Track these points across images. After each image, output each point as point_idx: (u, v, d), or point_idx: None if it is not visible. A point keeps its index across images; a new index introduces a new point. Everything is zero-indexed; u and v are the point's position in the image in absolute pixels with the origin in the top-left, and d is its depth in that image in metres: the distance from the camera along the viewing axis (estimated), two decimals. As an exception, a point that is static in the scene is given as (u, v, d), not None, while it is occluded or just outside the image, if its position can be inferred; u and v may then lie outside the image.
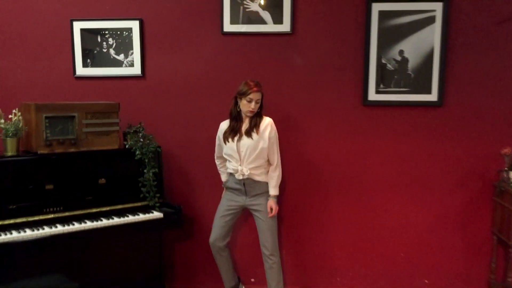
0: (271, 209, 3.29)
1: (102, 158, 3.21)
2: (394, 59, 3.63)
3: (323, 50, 3.68)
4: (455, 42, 3.58)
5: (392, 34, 3.60)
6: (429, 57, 3.60)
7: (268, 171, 3.32)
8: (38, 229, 2.83)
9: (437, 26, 3.57)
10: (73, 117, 3.09)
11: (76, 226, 2.93)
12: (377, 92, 3.67)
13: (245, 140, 3.22)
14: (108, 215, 3.12)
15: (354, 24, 3.63)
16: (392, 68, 3.64)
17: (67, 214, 3.01)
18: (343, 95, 3.70)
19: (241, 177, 3.26)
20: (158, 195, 3.31)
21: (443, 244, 3.76)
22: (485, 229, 3.70)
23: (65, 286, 2.58)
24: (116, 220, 3.08)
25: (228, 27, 3.68)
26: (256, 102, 3.20)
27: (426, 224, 3.75)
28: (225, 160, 3.37)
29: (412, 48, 3.61)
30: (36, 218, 2.91)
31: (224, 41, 3.70)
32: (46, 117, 3.00)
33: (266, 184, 3.33)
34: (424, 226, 3.76)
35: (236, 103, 3.27)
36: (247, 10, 3.66)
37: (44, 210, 2.94)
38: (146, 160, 3.27)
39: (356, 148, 3.73)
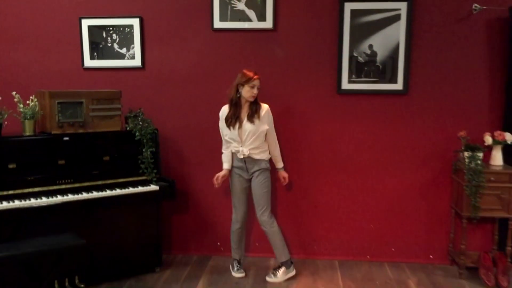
0: (284, 178, 3.92)
1: (106, 138, 3.71)
2: (365, 53, 4.08)
3: (302, 44, 4.13)
4: (418, 38, 4.02)
5: (363, 30, 4.05)
6: (395, 50, 4.05)
7: (264, 150, 3.78)
8: (52, 197, 3.34)
9: (402, 23, 4.01)
10: (81, 103, 3.60)
11: (84, 195, 3.45)
12: (350, 81, 4.13)
13: (247, 125, 3.68)
14: (111, 187, 3.63)
15: (329, 21, 4.08)
16: (363, 61, 4.09)
17: (76, 185, 3.52)
18: (320, 84, 4.16)
19: (241, 157, 3.73)
20: (155, 171, 3.81)
21: (408, 217, 4.22)
22: (444, 203, 4.16)
23: (75, 242, 3.06)
24: (118, 191, 3.59)
25: (217, 24, 4.15)
26: (258, 88, 3.66)
27: (394, 199, 4.22)
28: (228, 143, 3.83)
29: (380, 43, 4.05)
30: (50, 188, 3.42)
31: (214, 37, 4.18)
32: (58, 103, 3.51)
33: (264, 161, 3.79)
34: (391, 201, 4.22)
35: (237, 91, 3.71)
36: (234, 8, 4.13)
37: (57, 181, 3.46)
38: (145, 141, 3.77)
39: (332, 131, 4.19)
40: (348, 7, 4.04)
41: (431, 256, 4.24)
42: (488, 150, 3.92)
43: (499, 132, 3.84)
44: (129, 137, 3.77)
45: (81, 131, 3.61)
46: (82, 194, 3.46)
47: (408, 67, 4.04)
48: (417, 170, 4.16)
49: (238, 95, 3.70)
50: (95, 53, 4.26)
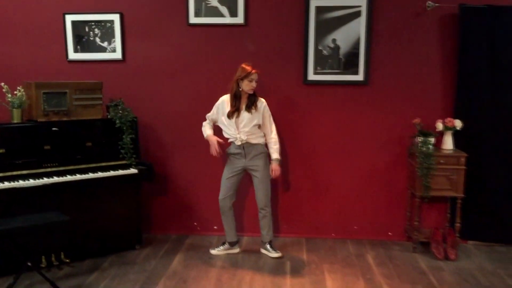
0: (273, 170, 4.09)
1: (88, 125, 4.03)
2: (328, 46, 4.42)
3: (271, 38, 4.46)
4: (377, 32, 4.36)
5: (327, 25, 4.39)
6: (356, 44, 4.39)
7: (261, 136, 4.09)
8: (38, 179, 3.66)
9: (363, 19, 4.35)
10: (65, 93, 3.91)
11: (68, 178, 3.77)
12: (315, 73, 4.47)
13: (244, 114, 4.00)
14: (94, 170, 3.95)
15: (296, 17, 4.41)
16: (327, 54, 4.43)
17: (61, 168, 3.83)
18: (288, 75, 4.49)
19: (239, 143, 4.04)
20: (134, 155, 4.13)
21: (369, 198, 4.59)
22: (402, 184, 4.53)
23: (59, 219, 3.37)
24: (100, 174, 3.92)
25: (192, 19, 4.47)
26: (256, 81, 3.98)
27: (356, 181, 4.58)
28: (214, 121, 4.16)
29: (342, 37, 4.40)
30: (37, 171, 3.73)
31: (190, 31, 4.49)
32: (44, 93, 3.82)
33: (262, 145, 4.10)
34: (354, 183, 4.59)
35: (238, 85, 3.99)
36: (208, 5, 4.44)
37: (43, 165, 3.77)
38: (124, 128, 4.09)
39: (299, 118, 4.53)
40: (313, 4, 4.37)
41: (390, 233, 4.62)
42: (440, 135, 4.29)
43: (449, 119, 4.21)
44: (110, 124, 4.09)
45: (65, 119, 3.93)
46: (66, 176, 3.78)
47: (368, 60, 4.38)
48: (377, 154, 4.53)
49: (240, 89, 3.99)
50: (78, 47, 4.55)
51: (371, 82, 4.43)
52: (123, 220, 4.19)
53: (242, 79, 3.95)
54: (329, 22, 4.39)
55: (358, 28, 4.37)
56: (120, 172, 4.01)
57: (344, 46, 4.41)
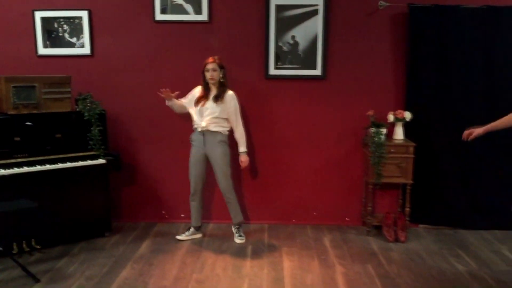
0: (242, 161, 4.39)
1: (58, 118, 4.19)
2: (288, 43, 4.68)
3: (234, 35, 4.69)
4: (334, 30, 4.64)
5: (286, 23, 4.64)
6: (314, 41, 4.66)
7: (222, 126, 4.31)
8: (9, 169, 3.83)
9: (320, 17, 4.62)
10: (34, 86, 4.08)
11: (38, 168, 3.95)
12: (276, 68, 4.72)
13: (210, 104, 4.25)
14: (63, 160, 4.13)
15: (257, 15, 4.65)
16: (287, 50, 4.69)
17: (31, 159, 4.00)
18: (250, 70, 4.73)
19: (200, 129, 4.28)
20: (103, 146, 4.32)
21: (327, 185, 4.87)
22: (358, 172, 4.83)
23: (28, 205, 3.55)
24: (69, 164, 4.10)
25: (159, 16, 4.67)
26: (213, 70, 4.21)
27: (315, 170, 4.86)
28: (185, 104, 4.39)
29: (301, 34, 4.66)
30: (8, 161, 3.89)
31: (156, 28, 4.69)
32: (13, 87, 3.98)
33: (221, 134, 4.32)
34: (313, 172, 4.86)
35: (204, 76, 4.26)
36: (174, 3, 4.65)
37: (14, 156, 3.94)
38: (93, 120, 4.27)
39: (261, 111, 4.78)
40: (274, 2, 4.61)
41: (347, 219, 4.92)
42: (392, 126, 4.60)
43: (399, 111, 4.52)
44: (78, 117, 4.27)
45: (34, 111, 4.09)
46: (36, 166, 3.96)
47: (325, 55, 4.66)
48: (334, 145, 4.81)
49: (206, 80, 4.28)
50: (47, 42, 4.71)
51: (328, 77, 4.71)
52: (92, 208, 4.38)
53: (203, 71, 4.25)
54: (289, 20, 4.64)
55: (316, 25, 4.64)
56: (89, 162, 4.20)
57: (303, 43, 4.67)
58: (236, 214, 4.47)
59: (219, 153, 4.32)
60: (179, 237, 4.47)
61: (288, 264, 3.93)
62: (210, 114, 4.26)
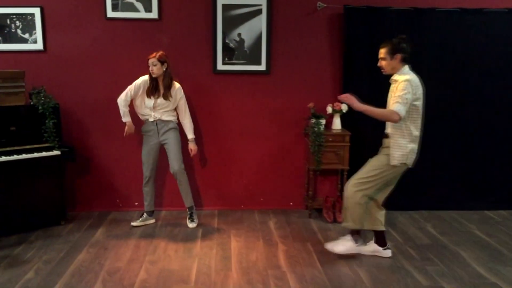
0: (191, 149, 4.70)
1: (12, 111, 4.35)
2: (235, 40, 5.00)
3: (183, 32, 4.97)
4: (277, 28, 4.99)
5: (232, 21, 4.96)
6: (259, 38, 5.00)
7: (173, 114, 4.63)
8: (-35, 161, 3.99)
9: (264, 16, 4.96)
10: (-12, 81, 4.23)
11: (-7, 159, 4.12)
12: (223, 63, 5.03)
13: (160, 100, 4.53)
14: (19, 152, 4.30)
15: (205, 13, 4.94)
16: (233, 46, 5.01)
17: (-14, 151, 4.17)
18: (199, 65, 5.02)
19: (152, 119, 4.55)
20: (57, 139, 4.51)
21: (273, 172, 5.24)
22: (300, 160, 5.23)
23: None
24: (24, 156, 4.28)
25: (110, 13, 4.87)
26: (153, 65, 4.45)
27: (261, 158, 5.22)
28: (132, 98, 4.55)
29: (247, 32, 4.98)
30: (-37, 153, 4.05)
31: (108, 25, 4.90)
32: (-33, 81, 4.12)
33: (172, 122, 4.62)
34: (260, 160, 5.22)
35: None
36: (124, 1, 4.86)
37: (-31, 148, 4.10)
38: (47, 113, 4.45)
39: (210, 103, 5.08)
40: (220, 2, 4.91)
41: (291, 203, 5.32)
42: (330, 117, 5.01)
43: (337, 103, 4.94)
44: (33, 110, 4.43)
45: (-12, 105, 4.24)
46: (-9, 158, 4.12)
47: (269, 52, 5.01)
48: (279, 134, 5.19)
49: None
50: (0, 38, 4.83)
51: (272, 72, 5.07)
52: (48, 198, 4.57)
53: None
54: (235, 19, 4.95)
55: (260, 24, 4.98)
56: (44, 153, 4.39)
57: (248, 40, 5.00)
58: (187, 197, 4.77)
59: (173, 138, 4.63)
60: (133, 224, 4.72)
61: (235, 244, 4.27)
62: (163, 108, 4.56)
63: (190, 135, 4.72)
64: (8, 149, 4.28)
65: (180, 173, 4.67)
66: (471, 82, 5.10)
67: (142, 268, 3.76)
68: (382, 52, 3.84)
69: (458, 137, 5.19)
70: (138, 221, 4.76)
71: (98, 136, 5.05)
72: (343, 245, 3.99)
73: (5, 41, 4.83)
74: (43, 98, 4.48)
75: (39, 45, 4.87)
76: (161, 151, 4.73)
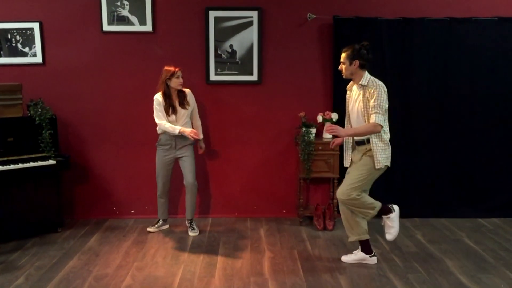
0: (201, 147, 4.90)
1: (10, 122, 4.52)
2: (227, 51, 5.12)
3: (176, 44, 5.10)
4: (268, 39, 5.10)
5: (224, 33, 5.08)
6: (250, 49, 5.11)
7: (189, 126, 4.73)
8: (-37, 171, 4.17)
9: (255, 28, 5.07)
10: (-14, 94, 4.42)
11: (-11, 169, 4.29)
12: (216, 74, 5.15)
13: (181, 111, 4.63)
14: (15, 162, 4.47)
15: (198, 25, 5.07)
16: (226, 57, 5.13)
17: (-16, 161, 4.35)
18: (192, 76, 5.13)
19: (176, 133, 4.54)
20: (53, 149, 4.68)
21: (266, 180, 5.32)
22: (293, 168, 5.30)
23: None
24: (20, 165, 4.44)
25: (106, 27, 5.04)
26: (181, 77, 4.59)
27: (255, 167, 5.31)
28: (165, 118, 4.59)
29: (238, 43, 5.10)
30: (-38, 163, 4.24)
31: (104, 38, 5.07)
32: (-34, 94, 4.32)
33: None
34: (253, 169, 5.31)
35: (166, 85, 4.55)
36: (119, 15, 5.03)
37: (-33, 158, 4.28)
38: (44, 124, 4.62)
39: (204, 113, 5.19)
40: (212, 14, 5.04)
41: (284, 211, 5.39)
42: (321, 126, 5.08)
43: (327, 112, 5.01)
44: (30, 121, 4.60)
45: (-14, 117, 4.43)
46: (-12, 168, 4.30)
47: (261, 62, 5.11)
48: (271, 143, 5.27)
49: (169, 87, 4.58)
50: (1, 52, 5.03)
51: (264, 82, 5.17)
52: (44, 206, 4.72)
53: (169, 78, 4.55)
54: (226, 30, 5.08)
55: (251, 35, 5.09)
56: (39, 163, 4.55)
57: (240, 51, 5.11)
58: (192, 209, 4.84)
59: (190, 153, 4.75)
60: (149, 229, 4.87)
61: (223, 251, 4.36)
62: (184, 119, 4.67)
63: (201, 136, 4.88)
64: (5, 158, 4.45)
65: (194, 186, 4.75)
66: (462, 91, 5.12)
67: (128, 274, 3.87)
68: (343, 56, 3.95)
69: (451, 143, 5.20)
70: (154, 227, 4.91)
71: (95, 145, 5.20)
72: (355, 255, 4.12)
73: (6, 54, 5.03)
74: (39, 110, 4.65)
75: (38, 59, 5.06)
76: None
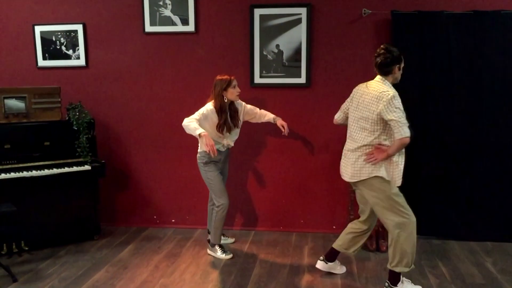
0: (283, 125, 4.29)
1: (47, 127, 4.44)
2: (273, 51, 4.73)
3: (219, 45, 4.80)
4: (317, 38, 4.65)
5: (270, 32, 4.70)
6: (298, 49, 4.68)
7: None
8: (-2, 175, 4.11)
9: (303, 26, 4.64)
10: (24, 97, 4.34)
11: (25, 174, 4.19)
12: (261, 76, 4.78)
13: (235, 130, 4.20)
14: (50, 167, 4.36)
15: (242, 24, 4.73)
16: (271, 58, 4.74)
17: (20, 165, 4.26)
18: (236, 79, 4.77)
19: (223, 149, 4.22)
20: (90, 154, 4.53)
21: (315, 192, 4.87)
22: (344, 181, 4.79)
23: (7, 209, 3.77)
24: (55, 170, 4.33)
25: (148, 28, 4.84)
26: (238, 86, 4.18)
27: (301, 177, 4.87)
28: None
29: (285, 43, 4.69)
30: (-3, 167, 4.19)
31: (146, 39, 4.87)
32: (4, 97, 4.26)
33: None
34: (300, 179, 4.87)
35: (223, 98, 4.04)
36: (162, 15, 4.81)
37: (3, 162, 4.21)
38: (81, 129, 4.49)
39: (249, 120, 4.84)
40: (257, 12, 4.68)
41: (334, 227, 4.89)
42: (375, 134, 4.52)
43: (382, 119, 4.45)
44: (68, 125, 4.49)
45: (24, 120, 4.36)
46: (23, 172, 4.21)
47: (309, 64, 4.67)
48: (319, 152, 4.81)
49: (225, 100, 4.05)
50: (46, 55, 4.99)
51: (313, 85, 4.72)
52: (81, 212, 4.59)
53: (225, 89, 4.04)
54: (273, 29, 4.69)
55: (300, 34, 4.66)
56: (75, 168, 4.42)
57: (287, 51, 4.70)
58: (216, 232, 4.25)
59: (227, 169, 4.46)
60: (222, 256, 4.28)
61: (258, 271, 3.97)
62: (235, 137, 4.30)
63: (272, 115, 4.39)
64: (41, 163, 4.36)
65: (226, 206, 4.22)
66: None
67: (151, 292, 3.60)
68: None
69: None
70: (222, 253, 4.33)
71: (136, 150, 5.02)
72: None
73: (51, 57, 4.99)
74: (77, 114, 4.52)
75: (81, 61, 4.97)
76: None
